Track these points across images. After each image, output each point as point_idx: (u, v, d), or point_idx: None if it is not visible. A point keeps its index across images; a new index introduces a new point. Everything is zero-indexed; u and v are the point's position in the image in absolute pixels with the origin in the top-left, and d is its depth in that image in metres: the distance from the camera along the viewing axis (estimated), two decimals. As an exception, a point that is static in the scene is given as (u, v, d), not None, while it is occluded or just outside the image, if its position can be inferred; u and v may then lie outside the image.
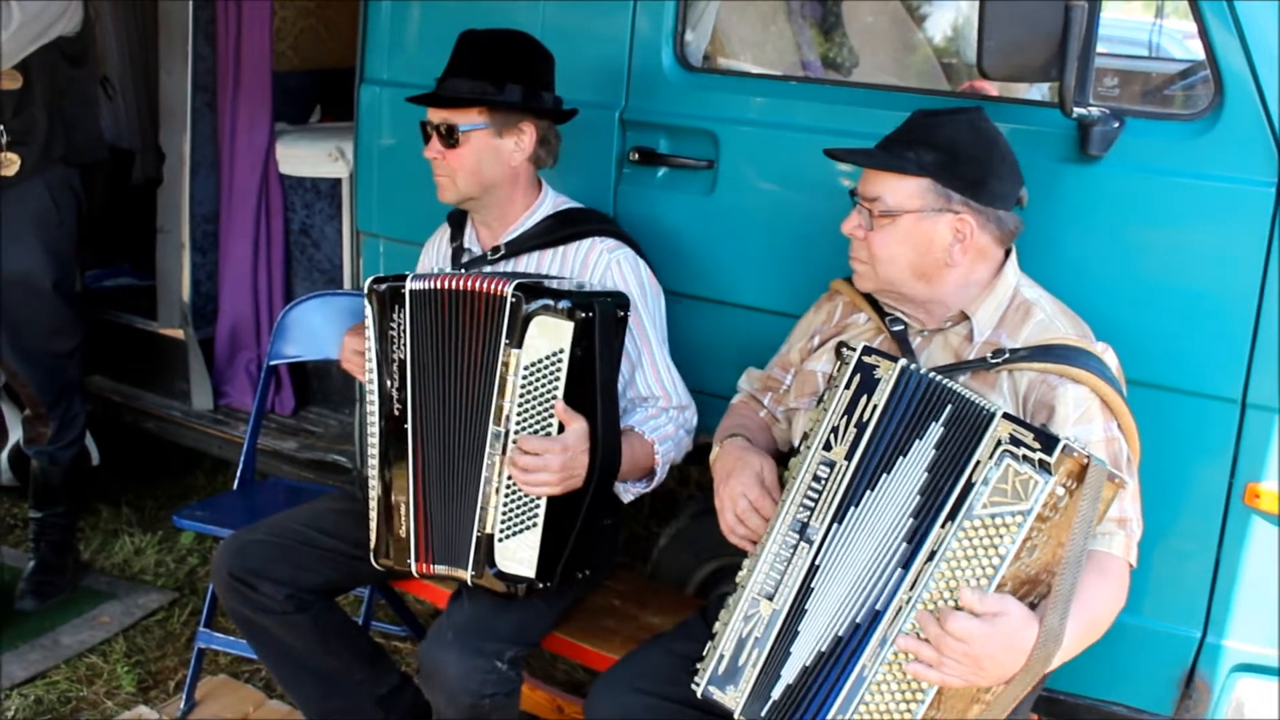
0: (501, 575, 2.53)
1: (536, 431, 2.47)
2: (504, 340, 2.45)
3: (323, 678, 2.90)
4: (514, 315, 2.44)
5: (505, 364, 2.46)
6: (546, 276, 2.66)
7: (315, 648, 2.85)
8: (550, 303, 2.42)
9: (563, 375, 2.44)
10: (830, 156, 2.37)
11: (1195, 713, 2.53)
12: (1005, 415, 1.93)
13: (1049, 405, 2.13)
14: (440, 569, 2.63)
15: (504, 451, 2.48)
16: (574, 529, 2.54)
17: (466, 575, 2.57)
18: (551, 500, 2.49)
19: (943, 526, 1.94)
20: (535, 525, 2.50)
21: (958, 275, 2.24)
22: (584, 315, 2.41)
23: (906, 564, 1.98)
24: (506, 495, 2.50)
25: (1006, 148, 2.22)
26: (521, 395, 2.46)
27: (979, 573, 1.91)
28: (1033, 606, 1.95)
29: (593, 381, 2.47)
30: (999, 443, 1.91)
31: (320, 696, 2.92)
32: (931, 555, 1.94)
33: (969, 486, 1.93)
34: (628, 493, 2.73)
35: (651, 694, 2.34)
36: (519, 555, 2.52)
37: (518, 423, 2.47)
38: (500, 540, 2.52)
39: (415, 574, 2.66)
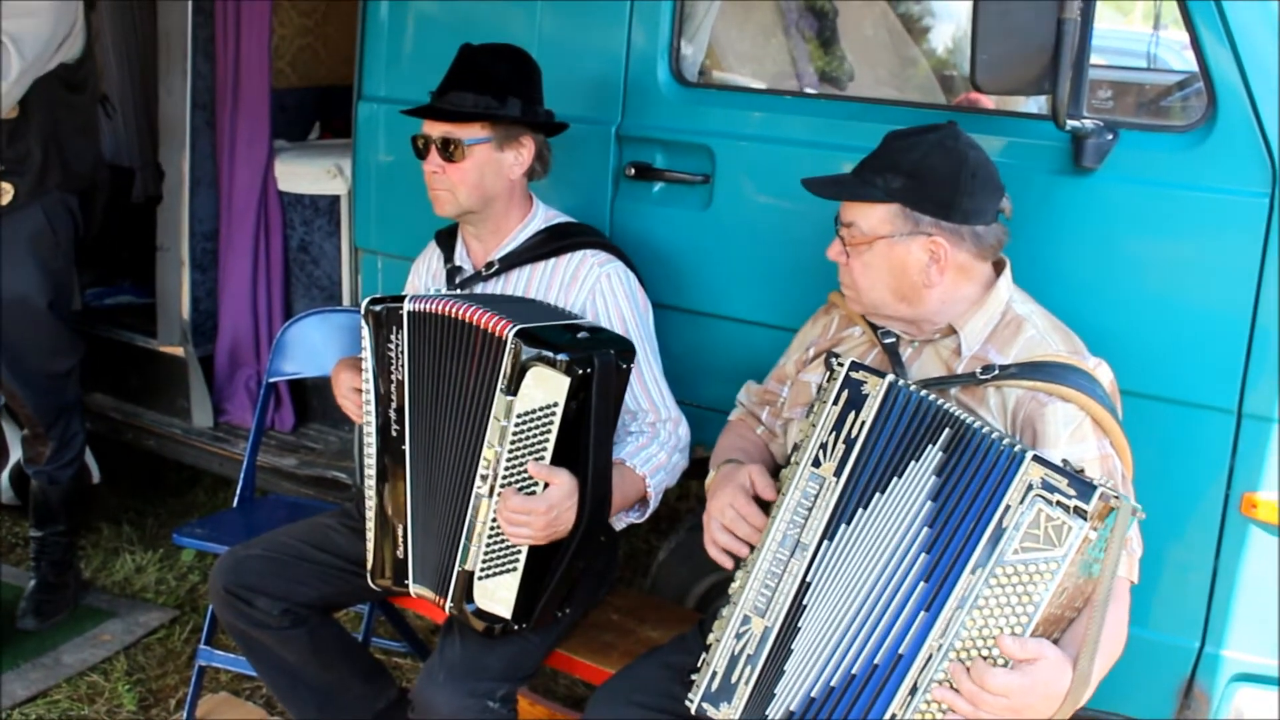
0: (479, 613, 2.53)
1: (524, 479, 2.44)
2: (499, 385, 2.41)
3: (320, 692, 2.90)
4: (512, 362, 2.39)
5: (499, 409, 2.42)
6: (554, 314, 2.63)
7: (311, 662, 2.85)
8: (549, 354, 2.35)
9: (555, 427, 2.40)
10: (804, 187, 2.36)
11: (1195, 723, 2.53)
12: (1035, 458, 1.89)
13: (1037, 422, 2.12)
14: (422, 592, 2.64)
15: (490, 494, 2.46)
16: (555, 575, 2.53)
17: (446, 604, 2.57)
18: (534, 547, 2.48)
19: (973, 573, 1.90)
20: (515, 569, 2.49)
21: (939, 294, 2.24)
22: (582, 371, 2.35)
23: (932, 608, 1.94)
24: (490, 537, 2.48)
25: (979, 163, 2.20)
26: (513, 442, 2.42)
27: (1012, 621, 1.87)
28: (1055, 641, 1.94)
29: (586, 434, 2.43)
30: (1030, 486, 1.87)
31: (318, 711, 2.92)
32: (962, 602, 1.91)
33: (1000, 531, 1.89)
34: (620, 521, 2.72)
35: (648, 707, 2.34)
36: (497, 595, 2.51)
37: (506, 468, 2.44)
38: (479, 579, 2.52)
39: (412, 594, 2.67)
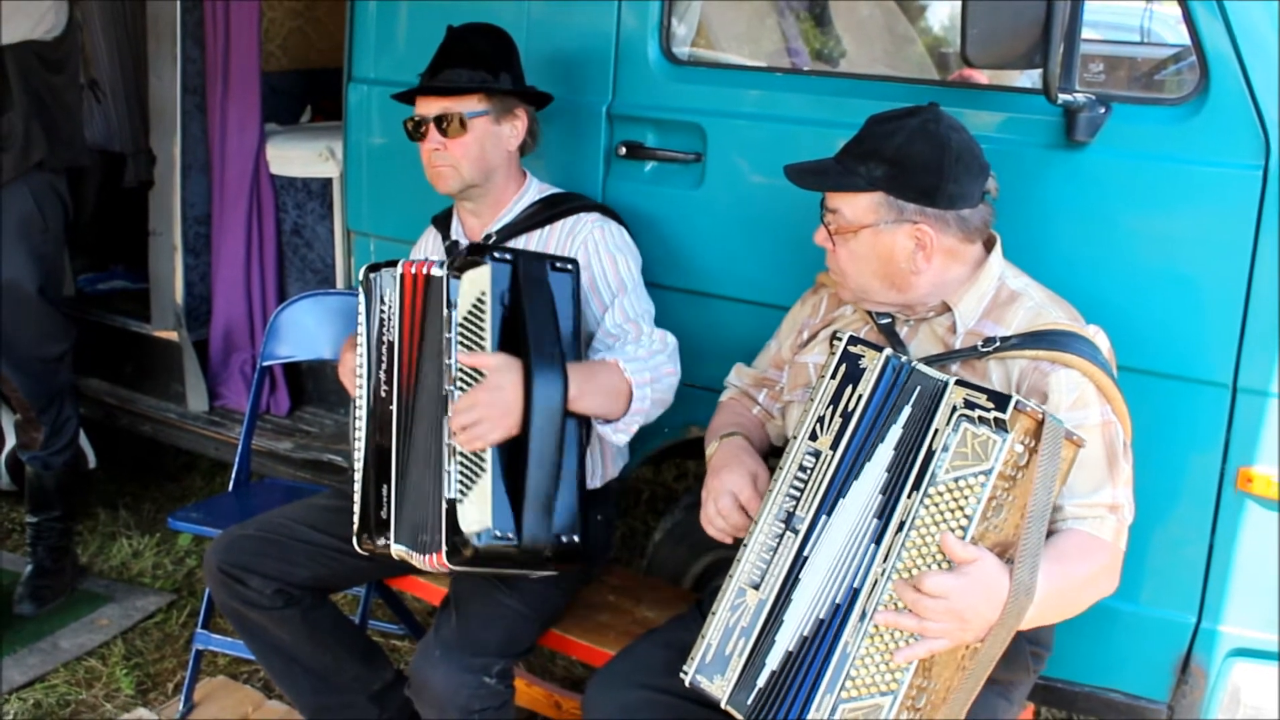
0: (474, 537, 2.45)
1: (474, 376, 2.49)
2: (444, 308, 2.52)
3: (315, 673, 2.90)
4: (449, 279, 2.52)
5: (447, 327, 2.51)
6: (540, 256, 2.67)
7: (305, 643, 2.86)
8: (474, 258, 2.51)
9: (488, 318, 2.48)
10: (786, 176, 2.35)
11: (1192, 698, 2.53)
12: (958, 382, 1.95)
13: (1041, 391, 2.12)
14: (401, 551, 2.61)
15: (447, 407, 2.49)
16: (531, 473, 2.48)
17: (441, 557, 2.50)
18: (498, 449, 2.47)
19: (909, 497, 1.96)
20: (484, 470, 2.48)
21: (928, 279, 2.23)
22: (499, 257, 2.51)
23: (879, 538, 1.99)
24: (457, 453, 2.49)
25: (963, 146, 2.18)
26: (459, 348, 2.49)
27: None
28: None
29: (521, 328, 2.49)
30: (954, 408, 1.94)
31: (313, 692, 2.93)
32: (901, 526, 1.95)
33: (930, 455, 1.95)
34: (618, 432, 2.63)
35: (650, 688, 2.34)
36: (479, 506, 2.48)
37: (455, 374, 2.49)
38: (460, 503, 2.49)
39: (394, 556, 2.64)
